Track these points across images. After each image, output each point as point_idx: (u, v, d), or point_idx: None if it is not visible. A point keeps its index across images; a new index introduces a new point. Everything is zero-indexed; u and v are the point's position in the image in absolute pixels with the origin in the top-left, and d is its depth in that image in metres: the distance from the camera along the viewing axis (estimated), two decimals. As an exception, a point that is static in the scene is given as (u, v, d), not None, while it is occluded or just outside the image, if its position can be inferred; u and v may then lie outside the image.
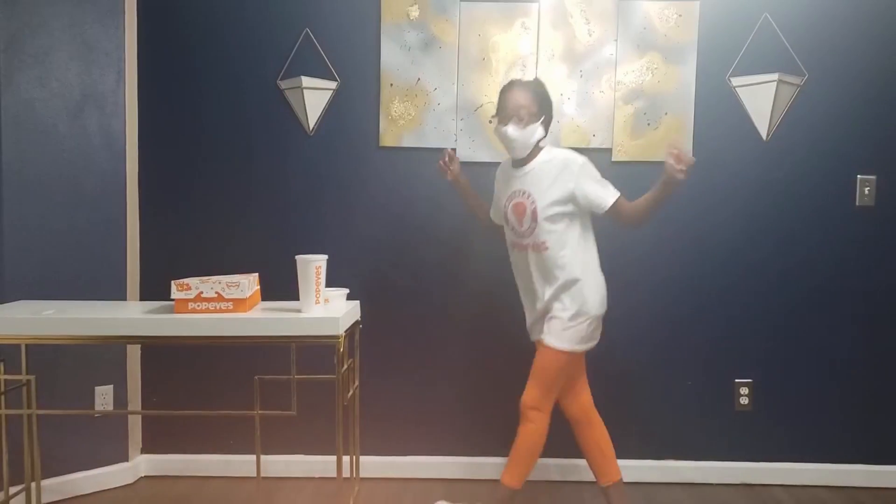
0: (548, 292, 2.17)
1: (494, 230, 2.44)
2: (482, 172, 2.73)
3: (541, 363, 2.18)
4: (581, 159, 2.14)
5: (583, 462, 2.76)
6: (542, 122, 2.16)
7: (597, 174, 2.16)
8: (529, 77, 2.44)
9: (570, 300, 2.15)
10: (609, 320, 2.75)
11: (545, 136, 2.22)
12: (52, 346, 2.34)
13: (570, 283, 2.15)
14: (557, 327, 2.15)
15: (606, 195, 2.12)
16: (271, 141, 2.73)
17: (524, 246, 2.20)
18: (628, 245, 2.73)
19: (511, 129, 2.13)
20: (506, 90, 2.18)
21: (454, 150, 2.58)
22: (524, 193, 2.16)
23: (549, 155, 2.18)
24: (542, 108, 2.16)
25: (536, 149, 2.19)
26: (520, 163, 2.20)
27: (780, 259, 2.73)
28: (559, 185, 2.12)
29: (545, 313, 2.20)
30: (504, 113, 2.15)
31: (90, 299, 2.44)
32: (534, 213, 2.14)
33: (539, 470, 2.76)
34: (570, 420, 2.31)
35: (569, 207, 2.13)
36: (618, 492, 2.26)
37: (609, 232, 2.73)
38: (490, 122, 2.28)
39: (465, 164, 2.71)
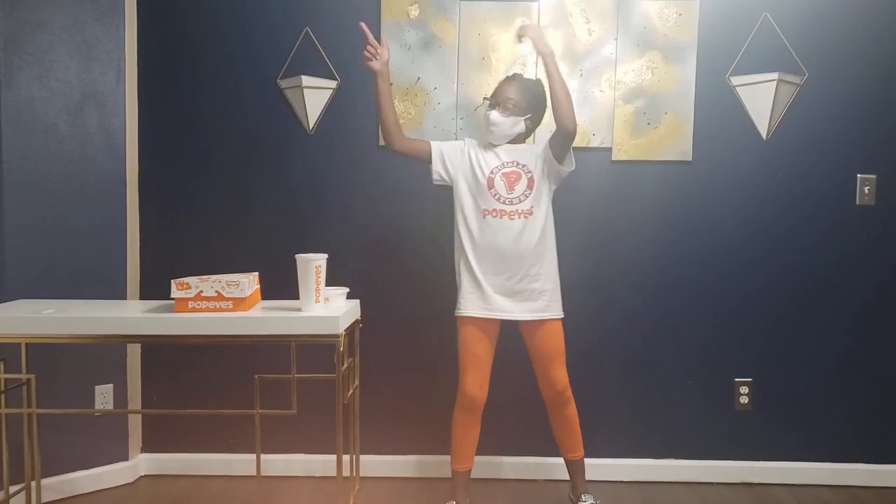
0: (526, 263, 2.25)
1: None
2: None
3: (556, 340, 2.30)
4: None
5: (585, 461, 2.77)
6: (526, 119, 2.29)
7: None
8: (532, 76, 2.49)
9: (550, 269, 2.30)
10: (609, 320, 2.76)
11: (525, 133, 2.34)
12: (52, 345, 2.34)
13: (547, 252, 2.30)
14: (554, 297, 2.30)
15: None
16: (271, 140, 2.73)
17: (511, 213, 2.24)
18: (628, 244, 2.74)
19: (494, 114, 2.27)
20: (504, 80, 2.33)
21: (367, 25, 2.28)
22: (517, 164, 2.28)
23: (537, 144, 2.39)
24: (531, 106, 2.29)
25: (521, 139, 2.34)
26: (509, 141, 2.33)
27: (780, 258, 2.73)
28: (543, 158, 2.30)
29: (518, 286, 2.25)
30: (494, 99, 2.30)
31: (90, 298, 2.43)
32: (530, 181, 2.26)
33: (540, 469, 2.77)
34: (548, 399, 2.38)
35: (548, 182, 2.30)
36: (582, 467, 2.44)
37: (608, 232, 2.74)
38: (482, 102, 2.43)
39: (465, 163, 2.72)
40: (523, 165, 2.28)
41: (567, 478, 2.47)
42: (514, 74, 2.37)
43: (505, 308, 2.26)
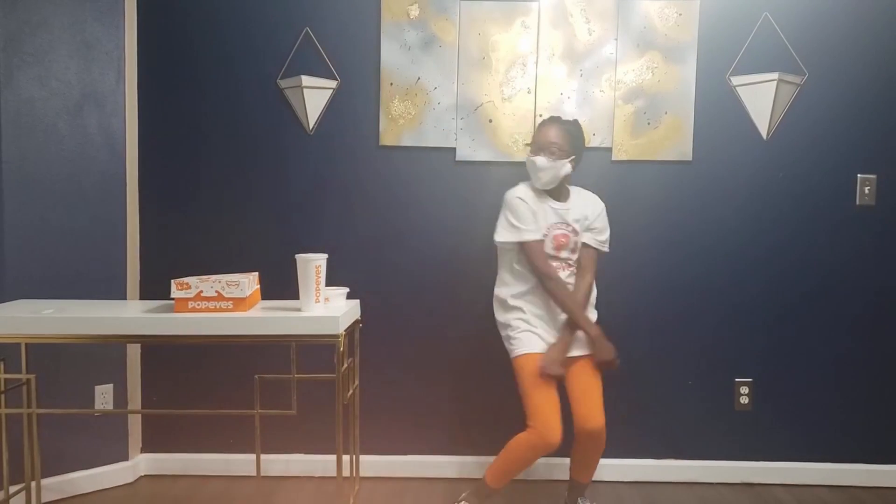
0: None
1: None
2: (482, 171, 2.73)
3: (596, 377, 2.33)
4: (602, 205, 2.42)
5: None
6: (570, 160, 2.30)
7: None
8: (569, 117, 2.48)
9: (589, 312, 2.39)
10: (609, 320, 2.75)
11: (571, 173, 2.34)
12: (52, 345, 2.34)
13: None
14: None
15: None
16: (271, 140, 2.73)
17: (558, 264, 2.31)
18: (628, 245, 2.73)
19: (541, 160, 2.26)
20: (544, 124, 2.34)
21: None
22: (567, 226, 2.32)
23: (582, 195, 2.40)
24: (574, 147, 2.31)
25: (566, 188, 2.37)
26: (555, 196, 2.34)
27: (780, 258, 2.73)
28: (595, 224, 2.38)
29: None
30: (537, 145, 2.30)
31: (90, 298, 2.44)
32: (575, 244, 2.34)
33: (540, 469, 2.77)
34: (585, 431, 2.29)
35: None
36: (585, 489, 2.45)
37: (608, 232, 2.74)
38: (525, 146, 2.43)
39: (464, 163, 2.72)
40: (573, 230, 2.33)
41: (566, 479, 2.47)
42: (553, 118, 2.36)
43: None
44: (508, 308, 2.31)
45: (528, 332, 2.27)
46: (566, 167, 2.28)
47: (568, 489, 2.46)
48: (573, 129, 2.34)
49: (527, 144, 2.35)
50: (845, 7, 2.67)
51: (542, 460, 2.76)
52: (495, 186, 2.73)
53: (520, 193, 2.29)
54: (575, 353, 2.29)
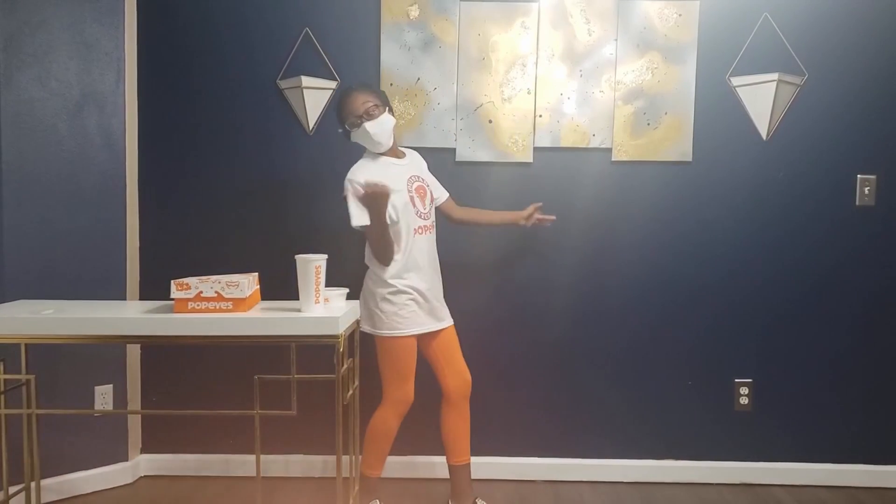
0: (438, 277, 2.38)
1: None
2: (482, 172, 2.73)
3: (455, 337, 2.42)
4: None
5: (583, 462, 2.78)
6: (388, 111, 2.29)
7: None
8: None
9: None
10: (609, 320, 2.76)
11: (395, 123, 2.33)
12: (52, 345, 2.34)
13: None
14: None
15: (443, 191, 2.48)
16: (271, 141, 2.73)
17: (427, 228, 2.32)
18: (628, 245, 2.74)
19: (369, 125, 2.23)
20: (345, 97, 2.29)
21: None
22: (420, 178, 2.35)
23: (410, 152, 2.42)
24: (382, 99, 2.30)
25: (398, 148, 2.37)
26: (394, 155, 2.33)
27: (780, 259, 2.73)
28: (430, 176, 2.44)
29: (438, 299, 2.36)
30: (352, 116, 2.25)
31: (90, 299, 2.43)
32: (430, 196, 2.36)
33: (540, 469, 2.77)
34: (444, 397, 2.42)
35: None
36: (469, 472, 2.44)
37: (608, 233, 2.74)
38: (341, 132, 2.35)
39: (464, 163, 2.72)
40: (423, 179, 2.36)
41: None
42: (346, 88, 2.36)
43: (435, 319, 2.35)
44: (387, 284, 2.27)
45: (415, 312, 2.28)
46: (390, 118, 2.27)
47: (452, 484, 2.43)
48: (370, 86, 2.35)
49: (342, 129, 2.32)
50: (845, 7, 2.67)
51: (543, 461, 2.77)
52: (495, 187, 2.74)
53: (358, 177, 2.23)
54: (435, 327, 2.33)
